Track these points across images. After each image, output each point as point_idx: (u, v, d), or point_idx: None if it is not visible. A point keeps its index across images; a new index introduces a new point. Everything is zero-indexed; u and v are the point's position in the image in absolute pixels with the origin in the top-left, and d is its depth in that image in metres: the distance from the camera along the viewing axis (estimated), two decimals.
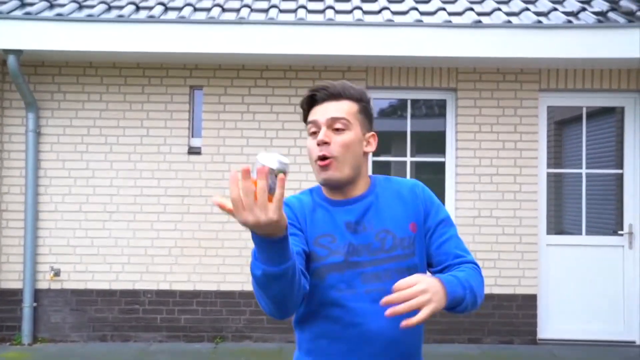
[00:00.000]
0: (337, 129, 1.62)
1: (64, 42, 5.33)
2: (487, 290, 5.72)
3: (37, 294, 5.76)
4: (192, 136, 5.93)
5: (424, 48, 5.33)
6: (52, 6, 5.62)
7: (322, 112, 1.63)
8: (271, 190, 1.25)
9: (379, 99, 6.11)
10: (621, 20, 5.38)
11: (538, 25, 5.31)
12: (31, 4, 5.61)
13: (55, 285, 5.79)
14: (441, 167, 5.98)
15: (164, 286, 5.80)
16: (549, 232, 5.97)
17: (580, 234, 5.98)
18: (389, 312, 1.35)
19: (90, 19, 5.34)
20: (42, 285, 5.78)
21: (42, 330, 5.78)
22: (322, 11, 5.66)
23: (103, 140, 5.82)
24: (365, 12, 5.59)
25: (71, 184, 5.81)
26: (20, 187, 5.78)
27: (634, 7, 5.63)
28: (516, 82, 5.87)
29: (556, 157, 6.19)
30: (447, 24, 5.33)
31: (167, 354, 5.43)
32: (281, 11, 5.63)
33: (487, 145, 5.84)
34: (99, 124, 5.83)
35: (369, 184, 1.70)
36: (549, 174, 6.01)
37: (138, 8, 5.66)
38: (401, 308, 1.34)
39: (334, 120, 1.62)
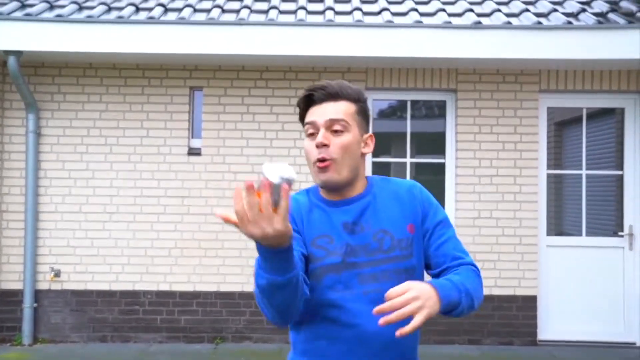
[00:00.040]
0: (336, 131, 1.60)
1: (64, 43, 5.34)
2: (487, 292, 5.72)
3: (38, 294, 5.77)
4: (192, 137, 5.94)
5: (424, 49, 5.33)
6: (52, 7, 5.63)
7: (321, 113, 1.61)
8: (275, 203, 1.25)
9: (379, 100, 6.11)
10: (621, 21, 5.37)
11: (538, 26, 5.31)
12: (31, 5, 5.62)
13: (56, 286, 5.80)
14: (441, 168, 5.98)
15: (164, 287, 5.80)
16: (549, 233, 5.97)
17: (581, 235, 5.98)
18: (382, 321, 1.35)
19: (90, 20, 5.35)
20: (43, 285, 5.79)
21: (43, 330, 5.79)
22: (322, 12, 5.66)
23: (103, 141, 5.83)
24: (365, 13, 5.59)
25: (71, 184, 5.82)
26: (20, 187, 5.79)
27: (634, 8, 5.63)
28: (516, 83, 5.87)
29: (556, 158, 6.18)
30: (447, 25, 5.32)
31: (167, 355, 5.44)
32: (281, 12, 5.63)
33: (487, 147, 5.84)
34: (99, 124, 5.84)
35: (366, 185, 1.69)
36: (549, 175, 6.00)
37: (138, 9, 5.67)
38: (393, 317, 1.34)
39: (333, 121, 1.60)
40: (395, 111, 6.28)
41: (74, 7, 5.59)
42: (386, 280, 1.57)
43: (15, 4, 5.57)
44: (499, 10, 5.62)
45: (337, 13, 5.62)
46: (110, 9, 5.64)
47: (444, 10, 5.60)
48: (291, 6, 5.78)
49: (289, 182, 1.27)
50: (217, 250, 5.80)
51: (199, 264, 5.80)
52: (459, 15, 5.59)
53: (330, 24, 5.35)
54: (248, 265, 5.73)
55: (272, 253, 1.30)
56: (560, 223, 6.20)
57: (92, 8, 5.62)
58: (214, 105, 5.86)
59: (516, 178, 5.82)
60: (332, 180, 1.60)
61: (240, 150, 5.84)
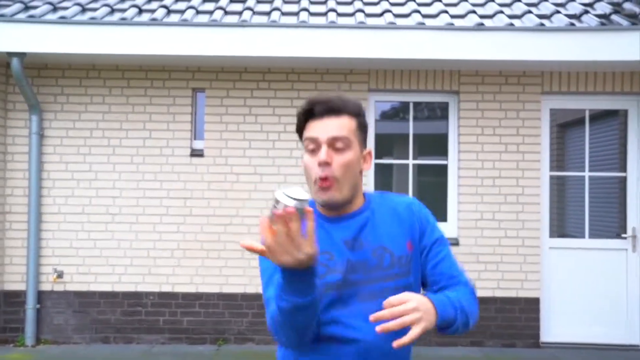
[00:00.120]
0: (338, 148, 1.57)
1: (67, 45, 5.35)
2: (489, 293, 5.73)
3: (40, 295, 5.78)
4: (195, 138, 5.95)
5: (426, 51, 5.33)
6: (55, 9, 5.65)
7: (322, 129, 1.57)
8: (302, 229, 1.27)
9: (381, 102, 6.11)
10: (624, 22, 5.36)
11: (541, 28, 5.30)
12: (35, 7, 5.64)
13: (58, 287, 5.81)
14: (443, 169, 5.97)
15: (167, 288, 5.81)
16: (551, 235, 5.96)
17: (583, 237, 5.97)
18: (380, 328, 1.35)
19: (93, 21, 5.36)
20: (45, 287, 5.80)
21: (45, 332, 5.80)
22: (325, 14, 5.66)
23: (106, 143, 5.84)
24: (367, 15, 5.59)
25: (74, 186, 5.83)
26: (23, 189, 5.81)
27: (637, 9, 5.62)
28: (519, 85, 5.86)
29: (559, 160, 6.17)
30: (450, 27, 5.32)
31: (170, 356, 5.44)
32: (283, 14, 5.64)
33: (490, 148, 5.83)
34: (101, 126, 5.85)
35: (364, 201, 1.68)
36: (551, 177, 5.99)
37: (141, 11, 5.68)
38: (393, 325, 1.34)
39: (336, 139, 1.57)
40: (398, 113, 6.28)
41: (77, 9, 5.60)
42: (384, 298, 1.53)
43: (18, 6, 5.59)
44: (502, 12, 5.62)
45: (339, 15, 5.62)
46: (113, 11, 5.65)
47: (446, 12, 5.60)
48: (293, 8, 5.79)
49: (305, 203, 1.27)
50: (219, 251, 5.80)
51: (201, 266, 5.81)
52: (462, 16, 5.59)
53: (332, 25, 5.35)
54: (250, 266, 5.73)
55: (297, 276, 1.31)
56: (562, 225, 6.19)
57: (95, 10, 5.63)
58: (216, 107, 5.87)
59: (519, 180, 5.81)
60: (333, 200, 1.58)
61: (243, 152, 5.85)
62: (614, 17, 5.51)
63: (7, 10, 5.48)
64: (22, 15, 5.47)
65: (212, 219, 5.81)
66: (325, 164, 1.55)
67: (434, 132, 6.19)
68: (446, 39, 5.31)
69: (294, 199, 1.26)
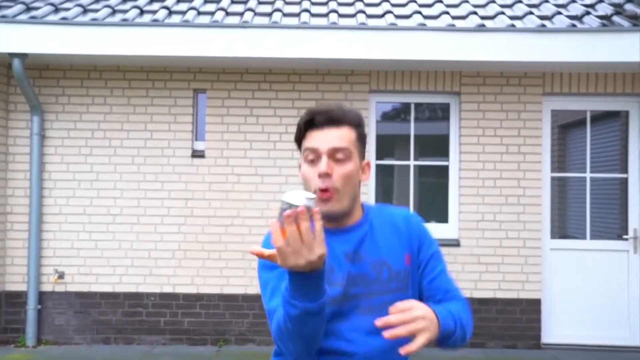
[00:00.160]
0: (339, 160, 1.56)
1: (68, 46, 5.36)
2: (490, 295, 5.73)
3: (41, 296, 5.78)
4: (196, 139, 5.95)
5: (428, 52, 5.33)
6: (57, 10, 5.65)
7: (323, 139, 1.56)
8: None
9: (383, 103, 6.11)
10: (626, 24, 5.36)
11: (542, 29, 5.30)
12: (36, 8, 5.65)
13: (59, 288, 5.81)
14: (444, 170, 5.97)
15: (168, 289, 5.81)
16: (553, 236, 5.95)
17: (585, 238, 5.96)
18: (388, 334, 1.34)
19: (94, 22, 5.37)
20: (46, 287, 5.80)
21: (46, 332, 5.80)
22: (326, 15, 5.67)
23: (107, 143, 5.85)
24: (368, 16, 5.59)
25: (75, 186, 5.83)
26: (24, 189, 5.81)
27: (638, 10, 5.62)
28: (520, 86, 5.86)
29: (560, 161, 6.17)
30: (451, 28, 5.32)
31: (171, 357, 5.44)
32: (285, 15, 5.64)
33: (491, 149, 5.83)
34: (103, 127, 5.86)
35: (363, 212, 1.68)
36: (552, 178, 5.99)
37: (142, 12, 5.69)
38: (401, 331, 1.34)
39: (336, 150, 1.56)
40: (399, 114, 6.28)
41: (79, 10, 5.61)
42: (383, 312, 1.52)
43: (20, 7, 5.60)
44: (503, 13, 5.62)
45: (340, 16, 5.62)
46: (114, 12, 5.66)
47: (447, 13, 5.60)
48: (295, 9, 5.79)
49: (312, 203, 1.28)
50: (220, 252, 5.80)
51: (202, 266, 5.81)
52: (463, 18, 5.59)
53: (333, 26, 5.35)
54: (251, 267, 5.73)
55: (308, 278, 1.30)
56: (564, 226, 6.18)
57: (96, 11, 5.64)
58: (217, 108, 5.88)
59: (520, 181, 5.81)
60: (333, 211, 1.57)
61: (244, 153, 5.85)
62: (615, 18, 5.51)
63: (8, 11, 5.49)
64: (23, 16, 5.48)
65: (213, 219, 5.81)
66: (325, 175, 1.54)
67: (435, 133, 6.19)
68: (447, 40, 5.31)
69: (304, 198, 1.27)
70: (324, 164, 1.54)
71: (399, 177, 6.12)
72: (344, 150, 1.57)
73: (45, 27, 5.37)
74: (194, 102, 5.94)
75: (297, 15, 5.64)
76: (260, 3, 5.93)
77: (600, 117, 6.13)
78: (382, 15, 5.62)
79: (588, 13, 5.60)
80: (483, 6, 5.91)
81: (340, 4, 5.93)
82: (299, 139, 1.63)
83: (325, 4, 5.95)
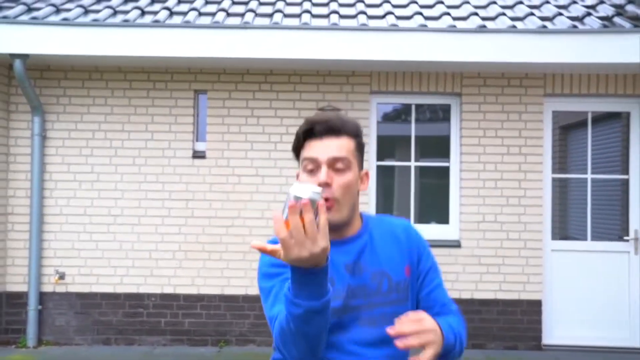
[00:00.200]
0: (338, 169, 1.56)
1: (69, 47, 5.36)
2: (491, 296, 5.73)
3: (42, 297, 5.79)
4: (197, 140, 5.95)
5: (428, 53, 5.33)
6: (58, 11, 5.66)
7: (322, 149, 1.56)
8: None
9: (383, 104, 6.11)
10: (627, 25, 5.36)
11: (543, 30, 5.30)
12: (37, 9, 5.65)
13: (60, 289, 5.81)
14: (445, 171, 5.97)
15: (168, 290, 5.81)
16: (553, 237, 5.95)
17: (586, 239, 5.96)
18: (401, 343, 1.35)
19: (95, 23, 5.37)
20: (47, 288, 5.81)
21: (47, 333, 5.81)
22: (327, 16, 5.67)
23: (108, 144, 5.85)
24: (369, 17, 5.59)
25: (76, 187, 5.84)
26: (25, 190, 5.81)
27: (639, 12, 5.61)
28: (521, 87, 5.85)
29: (561, 162, 6.16)
30: (452, 29, 5.32)
31: (171, 358, 5.44)
32: (285, 16, 5.64)
33: (492, 150, 5.82)
34: (104, 127, 5.86)
35: (362, 222, 1.67)
36: (553, 179, 5.98)
37: (143, 13, 5.69)
38: (413, 342, 1.35)
39: (336, 160, 1.56)
40: (400, 115, 6.28)
41: (80, 10, 5.61)
42: (383, 324, 1.53)
43: (21, 8, 5.60)
44: (504, 14, 5.61)
45: (341, 17, 5.62)
46: (115, 13, 5.66)
47: (448, 14, 5.60)
48: (296, 10, 5.79)
49: (318, 196, 1.27)
50: (221, 253, 5.80)
51: (203, 267, 5.81)
52: (464, 19, 5.58)
53: (334, 27, 5.35)
54: (251, 268, 5.73)
55: (311, 275, 1.28)
56: (565, 227, 6.18)
57: (97, 12, 5.64)
58: (218, 109, 5.88)
59: (521, 182, 5.81)
60: (333, 221, 1.55)
61: (245, 154, 5.85)
62: (617, 19, 5.50)
63: (10, 12, 5.50)
64: (25, 17, 5.49)
65: (214, 220, 5.81)
66: (325, 185, 1.53)
67: (436, 134, 6.19)
68: (448, 41, 5.31)
69: (309, 191, 1.26)
70: (323, 174, 1.54)
71: (400, 178, 6.12)
72: (344, 160, 1.56)
73: (47, 27, 5.37)
74: (195, 102, 5.94)
75: (298, 16, 5.64)
76: (261, 4, 5.93)
77: (601, 118, 6.12)
78: (383, 16, 5.62)
79: (589, 14, 5.60)
80: (484, 7, 5.90)
81: (341, 5, 5.92)
82: (297, 149, 1.62)
83: (326, 5, 5.95)
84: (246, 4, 5.92)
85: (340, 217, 1.57)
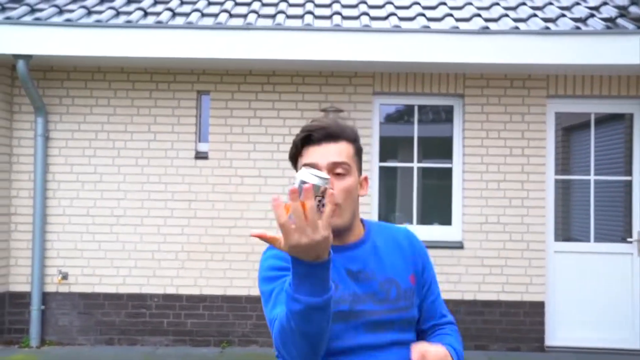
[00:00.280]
0: (339, 174, 1.55)
1: (72, 48, 5.37)
2: (494, 297, 5.73)
3: (45, 297, 5.80)
4: (199, 141, 5.96)
5: (431, 54, 5.32)
6: (61, 12, 5.67)
7: (322, 154, 1.56)
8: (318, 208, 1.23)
9: (386, 105, 6.11)
10: (630, 26, 5.34)
11: (546, 31, 5.29)
12: (41, 10, 5.66)
13: (63, 289, 5.82)
14: (448, 173, 5.96)
15: (171, 290, 5.82)
16: (556, 238, 5.94)
17: (589, 241, 5.95)
18: None
19: (98, 24, 5.38)
20: (50, 288, 5.82)
21: (50, 333, 5.82)
22: (329, 17, 5.67)
23: (111, 145, 5.86)
24: (372, 18, 5.59)
25: (79, 188, 5.85)
26: (28, 190, 5.83)
27: None
28: (524, 88, 5.84)
29: (564, 163, 6.15)
30: (455, 30, 5.32)
31: (174, 358, 5.45)
32: (288, 17, 5.64)
33: (495, 152, 5.82)
34: (106, 128, 5.87)
35: (364, 229, 1.67)
36: (556, 181, 5.97)
37: (146, 14, 5.69)
38: None
39: (336, 165, 1.55)
40: (402, 116, 6.28)
41: (83, 11, 5.62)
42: (391, 330, 1.55)
43: (24, 9, 5.61)
44: (507, 16, 5.60)
45: (344, 18, 5.62)
46: (118, 14, 5.67)
47: (451, 15, 5.60)
48: (298, 11, 5.79)
49: (326, 185, 1.25)
50: (223, 254, 5.81)
51: (205, 268, 5.81)
52: (467, 20, 5.58)
53: (337, 28, 5.35)
54: (254, 269, 5.73)
55: (313, 268, 1.26)
56: (568, 229, 6.17)
57: (100, 12, 5.65)
58: (221, 110, 5.88)
59: (524, 183, 5.80)
60: (335, 226, 1.53)
61: (247, 155, 5.85)
62: (620, 20, 5.49)
63: (13, 13, 5.51)
64: (28, 18, 5.49)
65: (217, 221, 5.82)
66: None
67: (439, 135, 6.19)
68: (451, 42, 5.30)
69: (315, 176, 1.24)
70: None
71: (403, 179, 6.12)
72: (344, 165, 1.56)
73: (50, 28, 5.38)
74: (198, 103, 5.94)
75: (301, 17, 5.64)
76: (263, 5, 5.93)
77: (604, 120, 6.11)
78: (386, 18, 5.62)
79: (592, 15, 5.59)
80: (487, 8, 5.89)
81: (343, 6, 5.92)
82: (295, 157, 1.62)
83: (329, 6, 5.95)
84: (248, 5, 5.92)
85: (342, 222, 1.57)
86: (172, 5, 5.80)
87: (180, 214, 5.82)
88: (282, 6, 5.80)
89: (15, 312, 5.82)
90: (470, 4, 5.90)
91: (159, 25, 5.39)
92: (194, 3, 5.95)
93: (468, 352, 5.71)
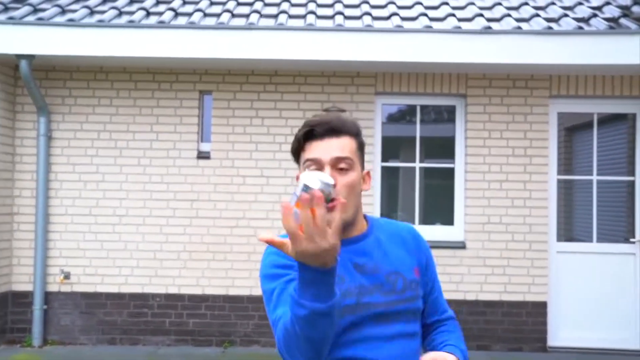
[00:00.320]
0: (341, 169, 1.55)
1: (75, 47, 5.38)
2: (496, 297, 5.72)
3: (48, 296, 5.81)
4: (202, 141, 5.96)
5: (434, 54, 5.32)
6: (63, 12, 5.67)
7: (324, 149, 1.55)
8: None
9: (388, 105, 6.10)
10: (633, 26, 5.33)
11: (548, 31, 5.28)
12: (43, 10, 5.67)
13: (65, 288, 5.83)
14: (450, 173, 5.96)
15: (173, 290, 5.82)
16: (559, 239, 5.93)
17: (591, 241, 5.94)
18: None
19: (101, 24, 5.38)
20: (52, 288, 5.83)
21: (52, 332, 5.83)
22: (332, 17, 5.66)
23: (113, 145, 5.87)
24: (374, 18, 5.59)
25: (81, 187, 5.86)
26: (31, 190, 5.84)
27: None
28: (526, 89, 5.84)
29: (566, 163, 6.15)
30: (457, 30, 5.31)
31: (176, 358, 5.45)
32: (290, 17, 5.64)
33: (497, 152, 5.81)
34: (109, 128, 5.88)
35: (367, 223, 1.67)
36: (559, 181, 5.97)
37: (148, 14, 5.70)
38: None
39: (339, 159, 1.55)
40: (405, 116, 6.27)
41: (86, 11, 5.63)
42: (397, 321, 1.56)
43: (27, 9, 5.62)
44: (509, 15, 5.60)
45: (346, 18, 5.62)
46: (121, 14, 5.67)
47: (453, 15, 5.59)
48: (301, 11, 5.79)
49: (330, 188, 1.24)
50: (225, 254, 5.81)
51: (207, 268, 5.81)
52: (469, 20, 5.57)
53: (339, 28, 5.35)
54: (256, 269, 5.73)
55: (319, 274, 1.25)
56: (570, 229, 6.16)
57: (103, 12, 5.65)
58: (223, 109, 5.88)
59: (526, 183, 5.79)
60: None
61: (249, 154, 5.85)
62: (623, 20, 5.48)
63: (16, 13, 5.51)
64: (31, 18, 5.50)
65: (219, 221, 5.82)
66: None
67: (441, 135, 6.18)
68: (453, 42, 5.30)
69: (319, 181, 1.23)
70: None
71: (405, 179, 6.11)
72: (347, 160, 1.56)
73: (52, 28, 5.39)
74: (200, 103, 5.95)
75: (303, 17, 5.64)
76: (266, 5, 5.93)
77: (607, 120, 6.10)
78: (388, 18, 5.61)
79: (595, 15, 5.58)
80: (489, 8, 5.89)
81: (346, 6, 5.92)
82: (297, 151, 1.62)
83: (331, 6, 5.95)
84: (251, 4, 5.92)
85: (345, 217, 1.56)
86: (174, 5, 5.80)
87: (182, 213, 5.83)
88: (285, 6, 5.80)
89: (17, 312, 5.83)
90: (473, 4, 5.90)
91: (162, 25, 5.39)
92: (197, 3, 5.95)
93: (470, 352, 5.69)
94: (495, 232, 5.78)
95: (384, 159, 5.98)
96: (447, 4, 5.89)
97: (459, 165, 5.92)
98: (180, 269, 5.82)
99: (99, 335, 5.82)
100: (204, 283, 5.82)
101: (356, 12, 5.80)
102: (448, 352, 1.58)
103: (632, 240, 5.87)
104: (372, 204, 5.78)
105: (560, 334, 5.83)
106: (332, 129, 1.57)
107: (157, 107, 5.88)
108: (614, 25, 5.43)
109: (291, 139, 6.05)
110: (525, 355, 5.67)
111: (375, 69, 5.78)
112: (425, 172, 6.08)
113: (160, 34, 5.37)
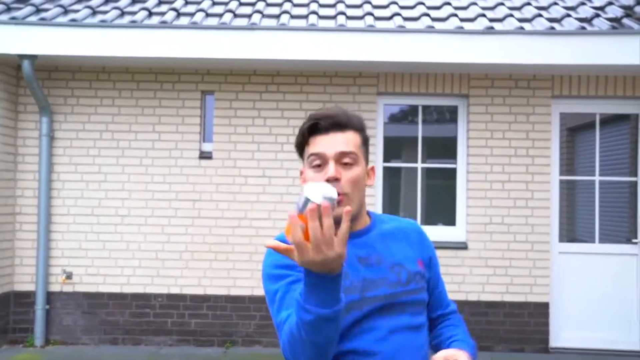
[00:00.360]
0: (346, 164, 1.55)
1: (77, 47, 5.38)
2: (498, 298, 5.72)
3: (50, 296, 5.81)
4: (204, 141, 5.96)
5: (436, 54, 5.31)
6: (66, 12, 5.68)
7: (329, 144, 1.54)
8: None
9: (390, 105, 6.10)
10: (636, 26, 5.32)
11: (551, 31, 5.27)
12: (46, 10, 5.67)
13: (68, 288, 5.84)
14: (452, 173, 5.95)
15: (175, 290, 5.82)
16: (561, 239, 5.92)
17: (593, 241, 5.93)
18: None
19: (103, 24, 5.39)
20: (55, 288, 5.83)
21: (54, 332, 5.83)
22: (334, 17, 5.66)
23: (115, 145, 5.87)
24: (376, 18, 5.58)
25: (83, 187, 5.86)
26: (33, 190, 5.84)
27: None
28: (529, 89, 5.83)
29: (569, 164, 6.14)
30: (459, 30, 5.31)
31: (178, 358, 5.45)
32: (292, 17, 5.64)
33: (499, 152, 5.80)
34: (111, 128, 5.88)
35: (370, 217, 1.68)
36: (561, 181, 5.96)
37: (151, 14, 5.70)
38: None
39: (344, 154, 1.54)
40: (407, 116, 6.27)
41: (88, 11, 5.63)
42: (403, 313, 1.56)
43: (30, 9, 5.63)
44: (512, 16, 5.59)
45: (348, 18, 5.62)
46: (123, 14, 5.68)
47: (455, 15, 5.58)
48: (303, 11, 5.79)
49: (332, 202, 1.25)
50: (227, 254, 5.81)
51: (209, 268, 5.82)
52: (471, 20, 5.57)
53: (341, 28, 5.35)
54: (258, 269, 5.73)
55: (325, 281, 1.26)
56: (572, 230, 6.15)
57: (105, 13, 5.66)
58: (225, 110, 5.88)
59: (528, 184, 5.78)
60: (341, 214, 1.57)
61: (252, 155, 5.85)
62: (625, 20, 5.47)
63: (18, 13, 5.52)
64: (33, 18, 5.51)
65: (221, 221, 5.82)
66: (334, 180, 1.51)
67: (443, 136, 6.18)
68: (456, 42, 5.29)
69: (325, 198, 1.24)
70: (332, 169, 1.52)
71: (407, 180, 6.11)
72: (351, 155, 1.55)
73: (55, 28, 5.39)
74: (202, 103, 5.95)
75: (305, 17, 5.63)
76: (268, 5, 5.93)
77: (609, 120, 6.09)
78: (390, 18, 5.61)
79: (598, 15, 5.57)
80: (492, 8, 5.88)
81: (348, 6, 5.92)
82: (301, 145, 1.61)
83: (333, 6, 5.95)
84: (253, 5, 5.92)
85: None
86: (176, 5, 5.81)
87: (184, 213, 5.83)
88: (287, 6, 5.80)
89: (19, 312, 5.84)
90: (475, 4, 5.89)
91: (164, 25, 5.40)
92: (199, 3, 5.95)
93: None
94: (497, 232, 5.77)
95: (386, 160, 5.98)
96: (449, 4, 5.89)
97: (461, 165, 5.91)
98: (182, 269, 5.82)
99: (101, 336, 5.83)
100: (205, 283, 5.82)
101: (358, 12, 5.79)
102: (459, 349, 1.57)
103: (634, 241, 5.86)
104: (374, 204, 5.78)
105: (562, 335, 5.82)
106: (337, 123, 1.56)
107: (160, 107, 5.89)
108: (616, 25, 5.42)
109: (293, 139, 6.05)
110: (527, 356, 5.67)
111: (377, 69, 5.77)
112: (427, 172, 6.08)
113: (163, 34, 5.37)
